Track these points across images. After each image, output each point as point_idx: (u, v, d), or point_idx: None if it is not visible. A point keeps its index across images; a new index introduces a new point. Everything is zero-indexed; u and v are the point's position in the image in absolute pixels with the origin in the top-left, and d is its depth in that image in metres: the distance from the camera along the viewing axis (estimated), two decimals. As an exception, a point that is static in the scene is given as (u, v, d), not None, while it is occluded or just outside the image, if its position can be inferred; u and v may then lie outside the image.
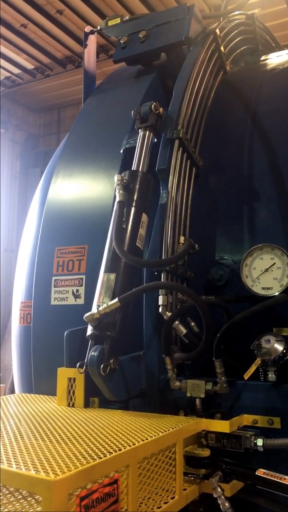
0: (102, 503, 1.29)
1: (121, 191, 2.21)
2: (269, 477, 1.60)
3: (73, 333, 2.17)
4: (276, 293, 2.07)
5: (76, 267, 2.46)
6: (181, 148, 2.38)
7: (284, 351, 2.01)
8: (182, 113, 2.43)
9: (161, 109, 2.41)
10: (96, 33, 3.30)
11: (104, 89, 3.06)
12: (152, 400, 2.17)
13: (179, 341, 2.20)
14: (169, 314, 2.11)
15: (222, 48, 2.85)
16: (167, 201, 2.28)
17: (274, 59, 3.02)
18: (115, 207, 2.21)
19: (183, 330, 2.11)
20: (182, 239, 2.24)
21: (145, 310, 2.21)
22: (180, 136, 2.35)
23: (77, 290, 2.43)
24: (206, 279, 2.42)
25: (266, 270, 2.11)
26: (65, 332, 2.17)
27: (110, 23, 3.05)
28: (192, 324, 2.22)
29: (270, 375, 2.02)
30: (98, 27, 3.14)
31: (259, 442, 1.84)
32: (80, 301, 2.40)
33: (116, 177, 2.24)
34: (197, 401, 2.01)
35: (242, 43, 3.24)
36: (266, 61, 3.04)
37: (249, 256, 2.15)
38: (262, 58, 3.11)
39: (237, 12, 3.28)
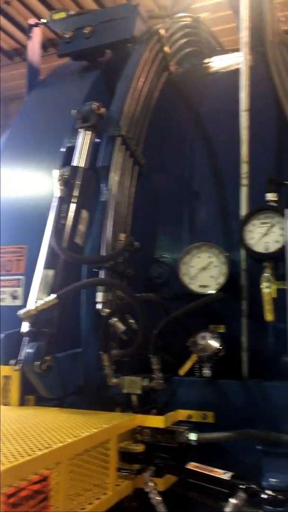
0: (31, 500, 1.27)
1: (60, 187, 2.19)
2: (199, 470, 1.63)
3: (10, 336, 2.12)
4: (213, 291, 2.12)
5: (14, 267, 2.41)
6: (123, 146, 2.39)
7: (219, 347, 2.07)
8: (125, 111, 2.44)
9: (102, 109, 2.40)
10: (43, 26, 3.25)
11: (48, 84, 3.02)
12: (90, 397, 2.17)
13: (118, 339, 2.21)
14: (107, 311, 2.11)
15: (166, 49, 2.88)
16: (107, 198, 2.28)
17: (217, 63, 3.08)
18: (54, 203, 2.18)
19: (121, 327, 2.12)
20: (121, 236, 2.25)
21: (83, 307, 2.20)
22: (122, 134, 2.35)
23: (15, 291, 2.38)
24: (147, 276, 2.44)
25: (204, 268, 2.16)
26: (1, 335, 2.12)
27: (55, 16, 3.01)
28: (131, 321, 2.24)
29: (205, 371, 2.07)
30: (43, 20, 3.09)
31: (193, 436, 1.88)
32: (18, 302, 2.34)
33: (56, 173, 2.22)
34: (134, 397, 2.02)
35: (187, 45, 3.28)
36: (209, 64, 3.10)
37: (187, 254, 2.19)
38: (206, 61, 3.17)
39: (183, 14, 3.33)
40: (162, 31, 2.86)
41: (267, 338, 2.12)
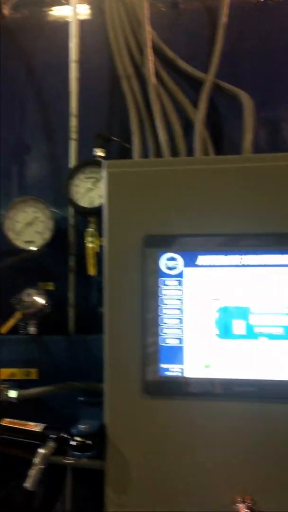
0: None
1: None
2: (12, 425, 1.61)
3: None
4: (37, 247, 2.06)
5: None
6: None
7: (45, 304, 2.04)
8: None
9: None
10: None
11: None
12: None
13: None
14: None
15: (-3, -11, 2.67)
16: None
17: (56, 13, 2.94)
18: None
19: None
20: None
21: None
22: None
23: None
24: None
25: (29, 223, 2.09)
26: None
27: None
28: None
29: (30, 328, 2.03)
30: None
31: (12, 393, 1.84)
32: None
33: None
34: None
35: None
36: (48, 13, 2.94)
37: (12, 209, 2.10)
38: (45, 9, 3.00)
39: None
40: None
41: (91, 293, 2.14)
